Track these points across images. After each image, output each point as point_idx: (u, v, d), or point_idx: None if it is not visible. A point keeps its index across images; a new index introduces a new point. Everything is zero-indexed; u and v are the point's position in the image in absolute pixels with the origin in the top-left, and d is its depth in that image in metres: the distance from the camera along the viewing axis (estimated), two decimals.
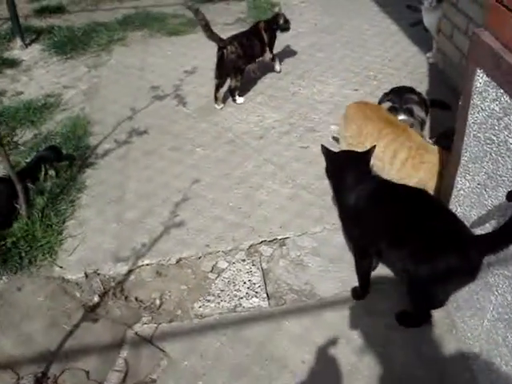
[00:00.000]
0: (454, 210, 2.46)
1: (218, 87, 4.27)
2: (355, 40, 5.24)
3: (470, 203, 2.31)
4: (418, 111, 3.62)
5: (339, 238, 3.00)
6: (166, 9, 6.19)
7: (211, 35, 4.15)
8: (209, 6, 6.08)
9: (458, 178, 2.38)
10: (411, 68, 4.72)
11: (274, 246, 3.07)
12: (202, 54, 5.01)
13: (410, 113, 3.56)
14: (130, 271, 2.97)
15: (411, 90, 3.79)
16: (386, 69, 4.72)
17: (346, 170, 2.62)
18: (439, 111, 3.85)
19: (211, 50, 4.88)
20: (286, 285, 2.85)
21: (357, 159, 2.66)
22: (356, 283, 2.72)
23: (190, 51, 5.15)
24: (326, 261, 2.95)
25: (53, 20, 6.22)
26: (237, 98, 4.34)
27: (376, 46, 5.12)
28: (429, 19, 4.59)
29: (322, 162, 3.59)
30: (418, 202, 2.43)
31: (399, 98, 3.65)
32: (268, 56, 4.51)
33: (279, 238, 3.10)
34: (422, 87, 4.41)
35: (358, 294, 2.73)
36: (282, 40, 5.02)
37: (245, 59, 4.27)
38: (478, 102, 2.13)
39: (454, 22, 4.29)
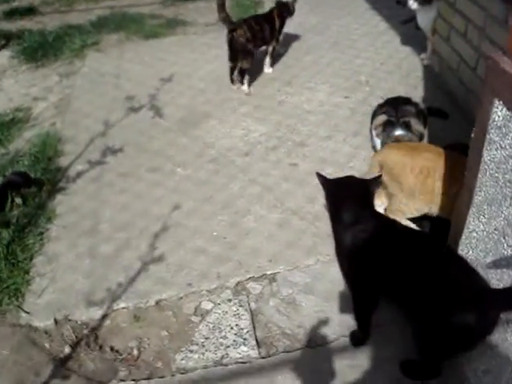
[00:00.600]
0: (464, 253, 2.19)
1: (232, 70, 4.30)
2: (344, 41, 4.94)
3: (485, 248, 2.03)
4: (416, 124, 3.34)
5: (335, 272, 2.70)
6: (143, 9, 5.86)
7: (224, 17, 4.14)
8: (189, 5, 5.75)
9: (470, 219, 2.11)
10: (405, 71, 4.43)
11: (263, 282, 2.79)
12: (182, 60, 4.70)
13: (407, 127, 3.28)
14: (104, 316, 2.68)
15: (408, 101, 3.51)
16: (378, 72, 4.43)
17: (345, 204, 2.32)
18: (437, 120, 3.58)
19: (191, 55, 4.61)
20: (278, 328, 2.58)
21: (358, 190, 2.37)
22: (355, 325, 2.45)
23: (168, 56, 4.83)
24: (321, 299, 2.67)
25: (24, 23, 5.88)
26: (245, 84, 4.30)
27: (366, 46, 4.83)
28: (423, 19, 4.31)
29: (312, 182, 3.34)
30: (426, 247, 2.15)
31: (395, 110, 3.37)
32: (273, 44, 4.48)
33: (268, 273, 2.82)
34: (417, 93, 4.13)
35: (358, 339, 2.46)
36: None
37: (254, 43, 4.20)
38: (497, 139, 1.85)
39: (450, 23, 4.00)
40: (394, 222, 2.37)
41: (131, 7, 5.89)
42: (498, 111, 1.82)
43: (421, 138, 3.34)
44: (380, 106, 3.52)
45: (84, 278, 2.85)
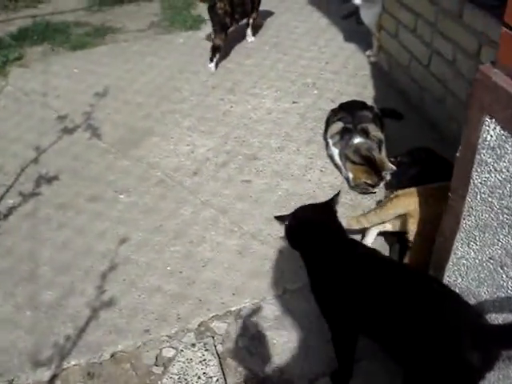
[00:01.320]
0: (452, 280, 2.00)
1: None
2: (285, 40, 4.70)
3: (478, 278, 1.84)
4: (374, 130, 3.15)
5: (306, 302, 2.49)
6: (68, 16, 5.45)
7: None
8: (116, 10, 5.39)
9: (458, 244, 1.91)
10: (352, 70, 4.24)
11: (229, 319, 2.53)
12: (115, 71, 4.36)
13: (365, 134, 3.09)
14: (54, 376, 2.36)
15: (363, 105, 3.33)
16: (325, 73, 4.22)
17: (313, 236, 2.09)
18: (392, 122, 3.42)
19: (124, 65, 4.29)
20: (250, 372, 2.33)
21: (323, 220, 2.13)
22: (335, 362, 2.23)
23: (99, 68, 4.46)
24: (294, 334, 2.44)
25: None
26: (212, 63, 4.32)
27: (309, 45, 4.61)
28: (366, 14, 4.13)
29: (268, 200, 3.10)
30: (412, 279, 1.94)
31: (351, 116, 3.18)
32: (254, 16, 4.62)
33: (233, 309, 2.57)
34: (368, 93, 3.95)
35: (339, 380, 2.24)
36: (204, 47, 4.45)
37: (232, 17, 4.30)
38: (490, 160, 1.64)
39: (398, 19, 3.83)
40: (373, 251, 2.14)
41: (54, 15, 5.46)
42: (491, 130, 1.62)
43: (380, 143, 3.15)
44: (334, 112, 3.32)
45: (27, 333, 2.52)
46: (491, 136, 1.62)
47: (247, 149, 3.50)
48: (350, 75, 4.18)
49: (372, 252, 2.11)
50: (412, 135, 3.50)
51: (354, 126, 3.11)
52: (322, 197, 3.07)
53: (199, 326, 2.50)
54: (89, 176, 3.36)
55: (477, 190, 1.73)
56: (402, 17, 3.78)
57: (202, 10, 5.07)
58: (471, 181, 1.75)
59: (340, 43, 4.62)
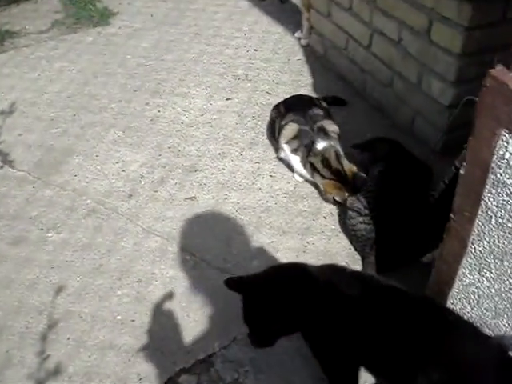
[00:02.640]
0: (458, 308, 1.74)
1: None
2: (206, 29, 4.30)
3: (495, 309, 1.59)
4: (331, 126, 2.87)
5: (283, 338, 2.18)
6: None
7: None
8: (13, 10, 4.78)
9: (465, 271, 1.65)
10: (284, 56, 3.92)
11: (198, 370, 2.19)
12: (20, 82, 3.83)
13: (324, 133, 2.79)
14: None
15: (310, 101, 3.02)
16: (255, 62, 3.88)
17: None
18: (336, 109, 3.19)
19: (30, 74, 3.80)
20: None
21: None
22: None
23: (1, 80, 3.91)
24: (276, 378, 2.13)
25: None
26: None
27: (233, 32, 4.24)
28: None
29: (219, 218, 2.77)
30: (419, 309, 1.65)
31: (303, 115, 2.85)
32: None
33: (201, 357, 2.23)
34: (305, 80, 3.65)
35: None
36: (117, 43, 4.00)
37: None
38: (509, 181, 1.36)
39: None
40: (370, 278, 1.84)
41: None
42: (509, 146, 1.33)
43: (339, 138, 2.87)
44: (279, 112, 3.00)
45: None
46: (510, 154, 1.34)
47: (185, 159, 3.12)
48: (283, 62, 3.86)
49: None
50: (360, 123, 3.26)
51: (311, 127, 2.80)
52: (278, 207, 2.76)
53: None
54: (6, 214, 2.89)
55: (491, 213, 1.46)
56: None
57: (109, 1, 4.60)
58: (483, 203, 1.48)
59: (266, 26, 4.27)
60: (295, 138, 2.80)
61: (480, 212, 1.51)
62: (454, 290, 1.74)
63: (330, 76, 3.69)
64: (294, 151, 2.80)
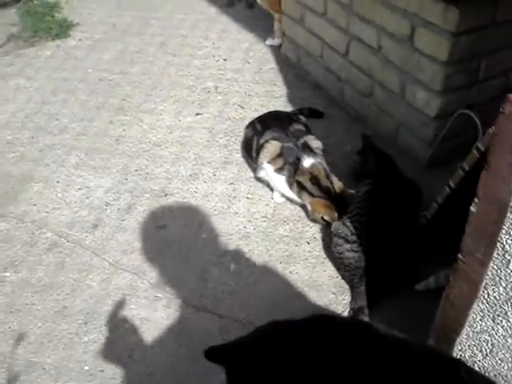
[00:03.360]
0: (467, 355, 1.55)
1: None
2: (172, 39, 4.07)
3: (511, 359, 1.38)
4: (313, 141, 2.68)
5: None
6: None
7: None
8: None
9: (476, 317, 1.46)
10: (255, 65, 3.71)
11: None
12: None
13: (309, 149, 2.59)
14: None
15: (288, 116, 2.83)
16: (226, 73, 3.66)
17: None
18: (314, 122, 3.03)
19: None
20: None
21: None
22: None
23: None
24: None
25: None
26: None
27: (201, 41, 4.02)
28: None
29: (193, 249, 2.54)
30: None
31: (283, 132, 2.66)
32: None
33: None
34: (279, 91, 3.45)
35: None
36: (77, 57, 3.75)
37: None
38: None
39: (302, 1, 3.31)
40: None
41: None
42: None
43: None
44: (255, 130, 2.79)
45: None
46: None
47: (153, 183, 2.89)
48: (255, 72, 3.65)
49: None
50: (340, 135, 3.09)
51: (295, 144, 2.60)
52: (257, 233, 2.55)
53: None
54: None
55: (509, 256, 1.26)
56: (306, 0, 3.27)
57: (69, 11, 4.33)
58: (499, 245, 1.28)
59: (235, 34, 4.06)
60: (278, 156, 2.59)
61: (495, 255, 1.31)
62: (463, 337, 1.54)
63: (305, 85, 3.48)
64: (278, 170, 2.59)
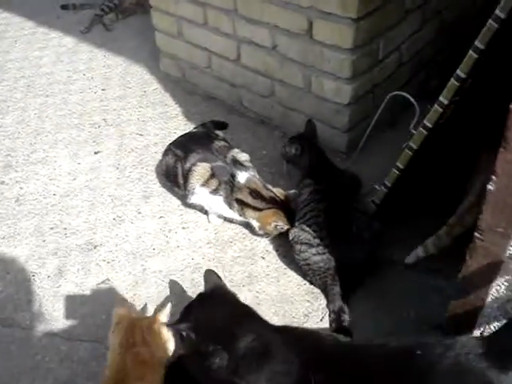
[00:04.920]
0: (493, 327, 1.56)
1: None
2: (37, 78, 3.75)
3: None
4: (239, 155, 2.67)
5: None
6: None
7: None
8: None
9: (500, 287, 1.47)
10: (138, 89, 3.55)
11: None
12: None
13: (239, 164, 2.52)
14: None
15: (205, 134, 2.72)
16: (110, 103, 3.45)
17: None
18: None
19: None
20: None
21: None
22: None
23: None
24: None
25: None
26: None
27: (70, 75, 3.75)
28: None
29: (144, 296, 2.35)
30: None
31: (208, 151, 2.57)
32: None
33: None
34: (172, 110, 3.37)
35: None
36: None
37: None
38: None
39: (176, 15, 3.20)
40: None
41: None
42: None
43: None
44: (176, 156, 2.64)
45: None
46: None
47: (76, 237, 2.64)
48: (140, 95, 3.47)
49: None
50: (249, 142, 3.04)
51: (224, 162, 2.49)
52: (207, 261, 2.43)
53: None
54: None
55: None
56: (182, 12, 3.15)
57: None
58: None
59: (103, 61, 3.84)
60: (211, 177, 2.48)
61: None
62: (487, 310, 1.55)
63: (197, 99, 3.38)
64: (214, 192, 2.47)
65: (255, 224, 2.46)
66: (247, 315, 1.67)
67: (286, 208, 2.46)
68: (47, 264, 2.54)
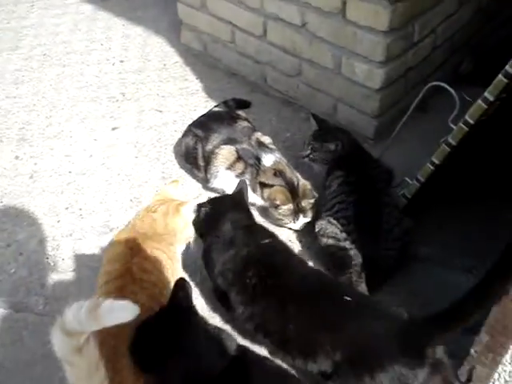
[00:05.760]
0: None
1: None
2: (54, 46, 3.62)
3: None
4: (263, 137, 2.53)
5: None
6: None
7: None
8: None
9: None
10: (158, 62, 3.44)
11: None
12: None
13: (265, 146, 2.41)
14: None
15: (228, 114, 2.61)
16: (128, 75, 3.33)
17: None
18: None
19: None
20: None
21: None
22: None
23: None
24: None
25: None
26: None
27: (87, 44, 3.62)
28: None
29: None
30: None
31: (231, 133, 2.44)
32: None
33: None
34: (193, 85, 3.25)
35: None
36: None
37: None
38: None
39: None
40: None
41: None
42: None
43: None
44: (197, 137, 2.53)
45: None
46: None
47: (92, 219, 2.56)
48: (159, 69, 3.35)
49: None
50: (273, 123, 2.94)
51: (249, 144, 2.38)
52: None
53: None
54: None
55: None
56: None
57: None
58: None
59: (122, 30, 3.70)
60: (237, 160, 2.36)
61: None
62: None
63: (219, 75, 3.25)
64: (240, 175, 2.36)
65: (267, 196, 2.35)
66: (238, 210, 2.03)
67: (297, 198, 2.33)
68: (61, 246, 2.45)
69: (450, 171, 2.18)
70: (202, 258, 2.07)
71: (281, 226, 2.41)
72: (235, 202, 2.06)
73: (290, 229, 2.41)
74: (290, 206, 2.31)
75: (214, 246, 1.96)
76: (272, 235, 1.99)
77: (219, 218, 1.99)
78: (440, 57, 2.87)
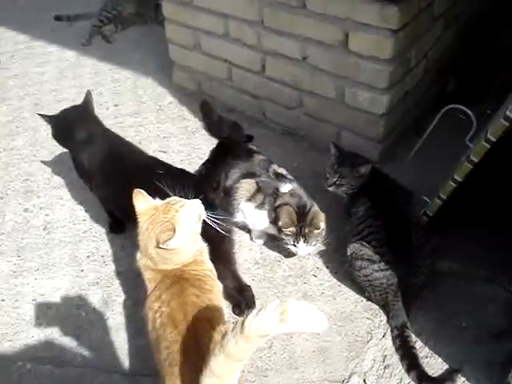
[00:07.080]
0: None
1: None
2: (43, 96, 3.61)
3: None
4: (279, 169, 2.57)
5: None
6: None
7: None
8: None
9: None
10: (152, 103, 3.49)
11: None
12: None
13: (282, 176, 2.46)
14: None
15: (243, 149, 2.65)
16: (125, 119, 3.37)
17: None
18: None
19: None
20: None
21: None
22: None
23: None
24: None
25: None
26: None
27: (76, 91, 3.61)
28: None
29: None
30: None
31: (249, 167, 2.49)
32: None
33: None
34: (192, 124, 3.29)
35: None
36: None
37: None
38: None
39: (193, 26, 3.12)
40: None
41: None
42: None
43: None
44: (213, 172, 2.53)
45: None
46: None
47: (117, 265, 2.55)
48: (156, 110, 3.39)
49: None
50: (276, 154, 2.95)
51: (267, 176, 2.43)
52: (258, 282, 2.39)
53: None
54: None
55: None
56: (200, 23, 3.07)
57: None
58: None
59: (110, 74, 3.72)
60: (257, 192, 2.41)
61: None
62: None
63: (224, 113, 3.29)
64: (260, 206, 2.40)
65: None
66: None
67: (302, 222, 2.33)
68: (90, 296, 2.44)
69: (468, 187, 2.28)
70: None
71: (284, 246, 2.42)
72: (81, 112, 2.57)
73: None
74: (292, 225, 2.31)
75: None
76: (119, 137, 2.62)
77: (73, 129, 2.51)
78: (430, 79, 3.01)
